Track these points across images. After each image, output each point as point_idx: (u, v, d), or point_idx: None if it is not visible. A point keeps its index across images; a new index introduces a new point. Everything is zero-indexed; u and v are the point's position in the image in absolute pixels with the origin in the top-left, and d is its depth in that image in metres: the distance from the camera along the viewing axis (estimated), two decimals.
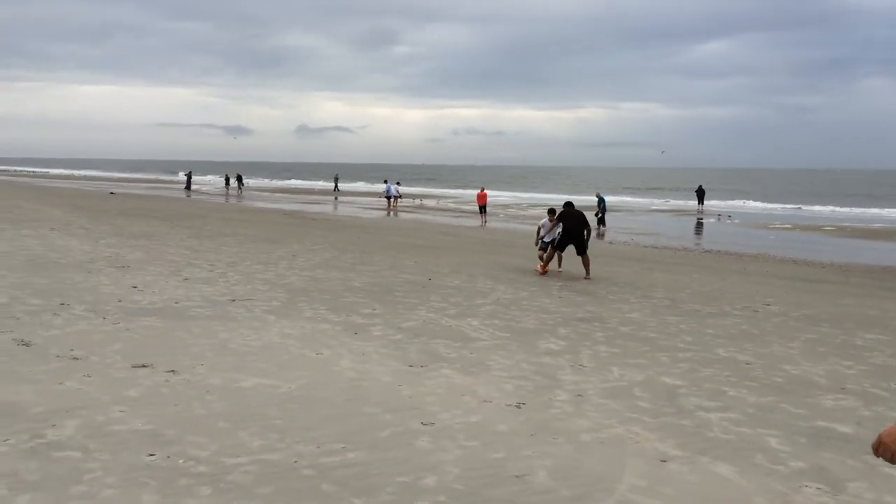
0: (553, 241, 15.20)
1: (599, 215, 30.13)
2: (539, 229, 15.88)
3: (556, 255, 15.33)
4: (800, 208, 49.64)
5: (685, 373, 7.18)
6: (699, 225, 36.48)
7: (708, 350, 8.21)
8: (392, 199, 43.11)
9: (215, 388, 5.98)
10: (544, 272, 14.79)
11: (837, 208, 48.94)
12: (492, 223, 32.88)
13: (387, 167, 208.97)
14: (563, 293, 12.22)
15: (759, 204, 53.60)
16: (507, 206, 49.02)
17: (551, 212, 15.99)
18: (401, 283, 12.53)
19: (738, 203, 54.07)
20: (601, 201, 30.40)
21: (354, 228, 26.01)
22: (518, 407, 5.85)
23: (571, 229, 14.96)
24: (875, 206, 50.38)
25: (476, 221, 33.46)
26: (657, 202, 58.18)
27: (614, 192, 57.64)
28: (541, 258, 15.28)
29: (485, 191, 36.76)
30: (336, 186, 63.87)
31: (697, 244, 25.99)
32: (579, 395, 6.24)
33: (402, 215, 37.44)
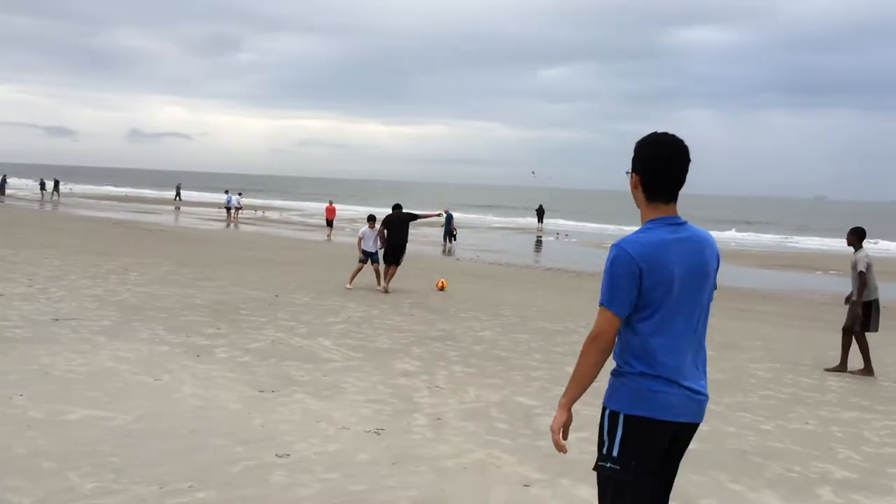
0: (374, 253, 14.72)
1: (455, 232, 30.54)
2: (360, 240, 15.03)
3: (367, 268, 14.76)
4: (632, 229, 52.83)
5: (539, 392, 7.26)
6: (539, 242, 37.86)
7: (558, 368, 8.38)
8: (233, 211, 41.58)
9: (38, 423, 5.33)
10: (385, 290, 14.25)
11: None
12: (339, 237, 32.46)
13: (228, 177, 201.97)
14: (414, 311, 12.14)
15: (594, 224, 56.41)
16: (353, 220, 48.64)
17: (371, 218, 15.28)
18: (246, 299, 11.97)
19: (575, 223, 56.66)
20: (449, 217, 30.81)
21: (194, 240, 24.77)
22: (377, 433, 5.63)
23: (396, 242, 14.61)
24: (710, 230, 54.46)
25: (321, 235, 32.90)
26: (500, 219, 59.95)
27: (458, 209, 58.77)
28: (359, 271, 14.69)
29: (333, 204, 36.33)
30: (178, 195, 61.21)
31: (539, 262, 26.89)
32: (438, 419, 6.12)
33: (245, 228, 36.17)
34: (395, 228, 14.78)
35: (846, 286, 21.87)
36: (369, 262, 14.96)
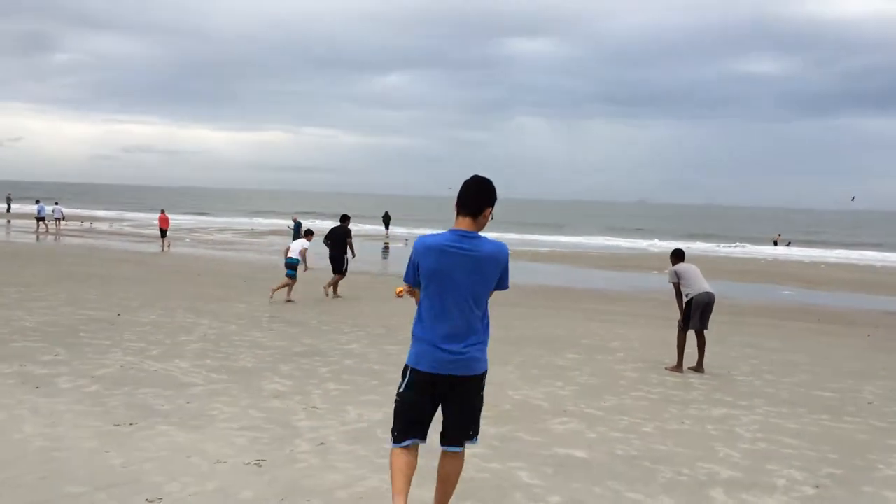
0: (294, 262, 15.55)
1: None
2: (293, 251, 15.86)
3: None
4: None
5: None
6: (386, 249, 37.67)
7: None
8: (56, 222, 38.31)
9: None
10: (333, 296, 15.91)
11: (504, 234, 54.01)
12: (179, 249, 30.71)
13: (46, 185, 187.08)
14: (273, 325, 11.53)
15: (439, 230, 56.95)
16: (192, 230, 46.33)
17: (309, 233, 16.84)
18: (85, 320, 10.88)
19: (421, 230, 57.03)
20: (297, 226, 29.93)
21: (13, 256, 22.49)
22: (259, 465, 5.15)
23: (333, 255, 16.28)
24: (534, 233, 56.59)
25: (158, 247, 30.97)
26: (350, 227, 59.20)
27: (304, 217, 57.35)
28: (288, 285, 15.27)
29: (165, 214, 34.41)
30: (9, 207, 56.53)
31: (392, 269, 26.64)
32: (322, 444, 5.71)
33: (71, 240, 33.38)
34: (333, 241, 16.40)
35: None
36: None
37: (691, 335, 9.58)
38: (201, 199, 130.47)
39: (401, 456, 4.04)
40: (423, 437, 4.12)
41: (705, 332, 9.53)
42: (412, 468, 4.07)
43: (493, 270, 3.95)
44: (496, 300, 14.46)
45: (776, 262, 35.89)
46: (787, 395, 8.28)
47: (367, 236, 47.88)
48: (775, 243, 52.17)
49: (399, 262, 30.24)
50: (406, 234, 51.09)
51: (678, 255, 10.00)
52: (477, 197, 3.96)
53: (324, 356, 9.23)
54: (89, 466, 4.94)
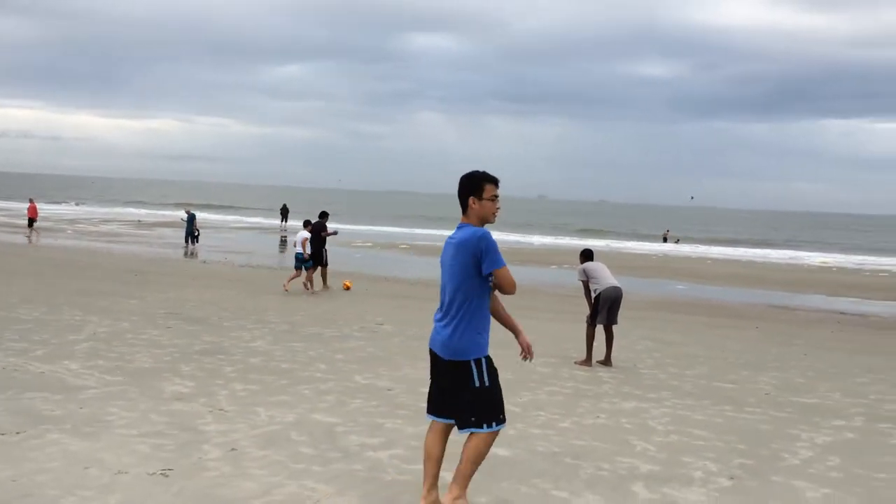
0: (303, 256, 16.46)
1: (197, 233, 28.54)
2: (296, 244, 16.77)
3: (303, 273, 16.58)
4: (376, 229, 53.49)
5: (334, 407, 6.76)
6: (283, 242, 36.79)
7: (347, 378, 7.93)
8: None
9: None
10: (310, 290, 16.45)
11: (403, 229, 53.89)
12: (62, 241, 28.97)
13: None
14: (170, 322, 10.95)
15: (338, 224, 56.06)
16: (74, 220, 43.88)
17: (307, 223, 17.56)
18: None
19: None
20: (191, 217, 28.79)
21: None
22: (164, 475, 4.78)
23: (313, 250, 16.84)
24: (431, 227, 56.76)
25: (44, 239, 29.13)
26: (243, 219, 57.65)
27: (198, 208, 55.44)
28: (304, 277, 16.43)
29: (34, 203, 32.63)
30: None
31: (291, 262, 25.95)
32: (233, 449, 5.38)
33: None
34: (314, 236, 17.01)
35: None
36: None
37: (600, 330, 9.72)
38: (85, 189, 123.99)
39: (427, 433, 4.46)
40: (438, 416, 4.38)
41: (613, 326, 9.69)
42: (430, 447, 4.38)
43: (465, 255, 4.16)
44: (397, 293, 14.37)
45: (668, 258, 37.32)
46: (691, 387, 8.51)
47: (264, 229, 46.71)
48: (664, 240, 54.33)
49: (284, 253, 29.52)
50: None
51: (587, 255, 10.14)
52: (460, 192, 4.34)
53: (227, 354, 8.82)
54: None
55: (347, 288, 17.31)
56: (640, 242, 50.17)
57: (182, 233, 30.47)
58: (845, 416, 7.47)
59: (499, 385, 4.32)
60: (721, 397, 8.02)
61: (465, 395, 4.22)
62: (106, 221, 45.67)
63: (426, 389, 7.70)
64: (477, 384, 4.21)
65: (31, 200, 33.34)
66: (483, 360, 4.25)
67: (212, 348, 9.13)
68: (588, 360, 9.51)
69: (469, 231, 4.22)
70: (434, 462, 4.36)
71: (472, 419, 4.20)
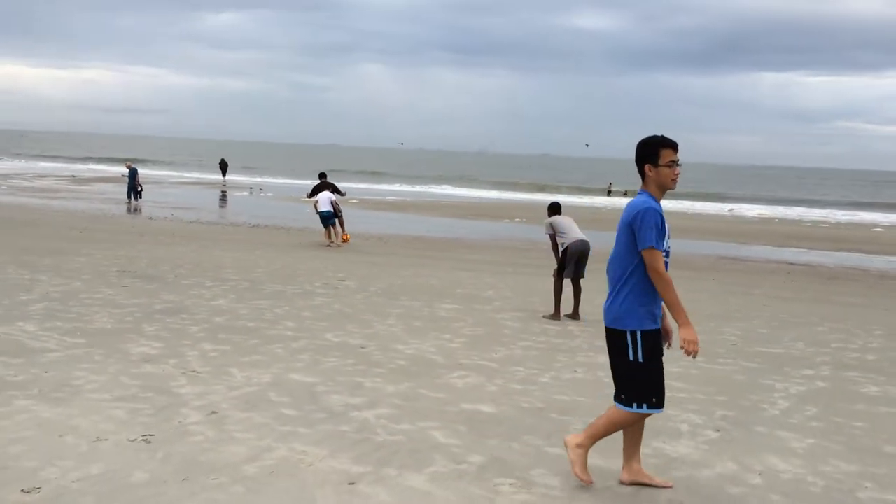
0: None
1: (140, 189, 27.64)
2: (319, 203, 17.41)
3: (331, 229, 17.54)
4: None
5: (310, 366, 6.60)
6: (224, 198, 35.93)
7: (317, 336, 7.76)
8: None
9: None
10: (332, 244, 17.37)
11: (349, 184, 53.17)
12: None
13: None
14: (125, 280, 10.56)
15: (282, 180, 54.95)
16: (7, 176, 42.05)
17: (331, 185, 18.50)
18: None
19: (262, 178, 54.72)
20: (133, 172, 27.83)
21: None
22: (146, 441, 4.58)
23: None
24: (377, 182, 56.20)
25: None
26: (182, 175, 56.09)
27: (137, 164, 53.63)
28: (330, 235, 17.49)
29: None
30: None
31: (241, 218, 25.39)
32: (213, 412, 5.20)
33: None
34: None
35: (531, 232, 23.86)
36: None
37: (567, 283, 9.72)
38: (14, 142, 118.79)
39: None
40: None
41: (581, 280, 9.70)
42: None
43: (625, 226, 4.02)
44: (354, 248, 14.25)
45: (615, 211, 37.70)
46: None
47: (204, 184, 45.57)
48: (609, 193, 54.93)
49: (249, 210, 28.91)
50: (248, 181, 49.07)
51: (554, 208, 10.08)
52: (636, 159, 4.12)
53: (190, 314, 8.54)
54: None
55: (346, 241, 18.04)
56: (585, 196, 50.56)
57: (123, 188, 29.47)
58: (812, 365, 7.64)
59: (658, 366, 4.08)
60: None
61: (619, 367, 4.10)
62: (41, 177, 43.89)
63: (400, 346, 7.66)
64: (631, 358, 4.03)
65: None
66: (640, 334, 4.01)
67: (173, 307, 8.83)
68: (557, 314, 9.52)
69: (635, 201, 4.05)
70: (626, 437, 4.28)
71: (622, 396, 4.09)
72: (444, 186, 56.00)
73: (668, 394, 6.23)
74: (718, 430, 5.36)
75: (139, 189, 27.82)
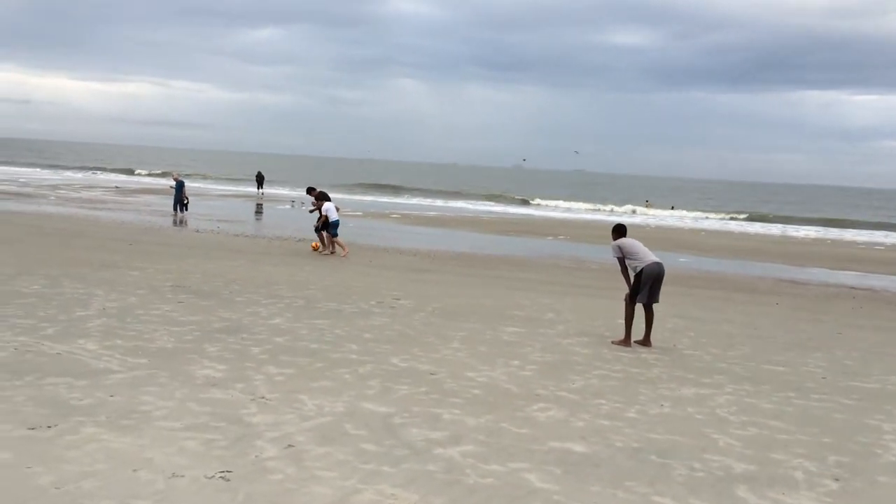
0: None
1: (186, 201, 27.71)
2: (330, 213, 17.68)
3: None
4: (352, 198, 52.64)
5: (382, 394, 6.26)
6: (260, 209, 35.92)
7: (383, 360, 7.43)
8: None
9: None
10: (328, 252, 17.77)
11: (388, 199, 53.10)
12: (45, 207, 27.97)
13: None
14: (181, 296, 10.35)
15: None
16: (55, 186, 42.65)
17: (324, 195, 18.60)
18: None
19: (296, 192, 54.71)
20: (180, 185, 27.91)
21: None
22: (225, 479, 4.27)
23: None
24: (426, 197, 56.07)
25: (25, 204, 28.15)
26: (221, 187, 56.53)
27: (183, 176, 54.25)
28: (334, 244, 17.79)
29: None
30: None
31: (285, 232, 25.25)
32: (289, 446, 4.88)
33: None
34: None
35: (578, 250, 23.30)
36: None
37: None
38: (60, 155, 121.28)
39: None
40: None
41: (654, 305, 9.25)
42: None
43: None
44: (402, 265, 13.74)
45: (660, 229, 37.04)
46: (742, 370, 8.12)
47: (242, 196, 45.76)
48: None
49: (292, 224, 28.85)
50: (286, 195, 49.20)
51: (620, 230, 9.65)
52: None
53: (250, 333, 8.27)
54: (12, 490, 3.91)
55: (315, 249, 18.31)
56: (646, 212, 49.83)
57: (170, 200, 29.57)
58: None
59: None
60: (779, 382, 7.63)
61: None
62: (88, 188, 44.45)
63: (471, 374, 7.29)
64: None
65: None
66: None
67: (232, 326, 8.58)
68: (627, 341, 9.08)
69: None
70: None
71: None
72: (481, 202, 55.56)
73: (766, 433, 5.80)
74: (838, 480, 4.90)
75: (185, 201, 27.85)
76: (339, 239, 17.99)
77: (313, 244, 18.46)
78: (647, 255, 9.19)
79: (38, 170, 65.58)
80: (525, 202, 57.59)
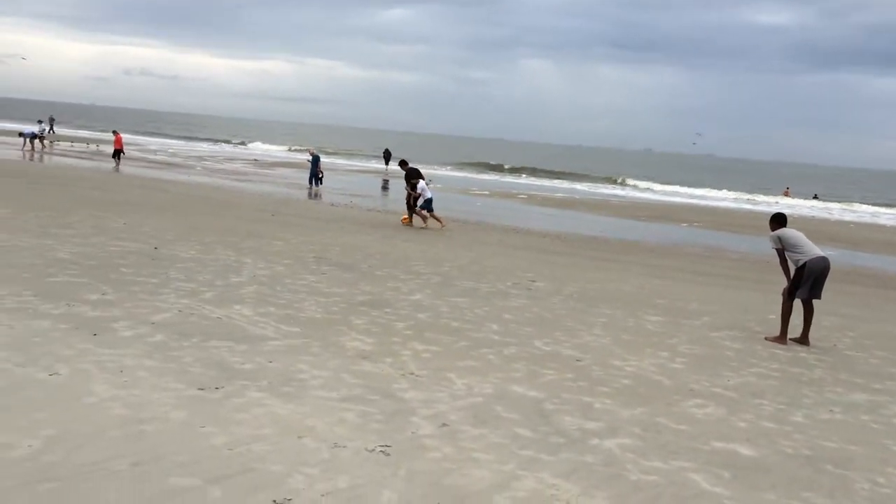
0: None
1: (321, 175, 28.64)
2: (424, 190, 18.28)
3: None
4: (480, 178, 52.59)
5: (529, 378, 6.16)
6: (386, 185, 36.46)
7: (526, 343, 7.32)
8: (37, 140, 37.33)
9: None
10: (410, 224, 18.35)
11: (515, 179, 52.73)
12: (193, 177, 29.56)
13: (42, 105, 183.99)
14: (323, 267, 10.62)
15: (449, 172, 55.37)
16: (202, 157, 45.08)
17: (409, 166, 19.67)
18: (120, 252, 9.97)
19: (426, 169, 55.24)
20: (316, 159, 28.82)
21: (27, 177, 21.45)
22: (385, 453, 4.30)
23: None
24: (552, 179, 55.42)
25: (178, 174, 29.88)
26: (351, 163, 57.96)
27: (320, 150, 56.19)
28: (423, 217, 18.27)
29: (120, 135, 33.81)
30: (51, 128, 54.35)
31: (393, 206, 25.52)
32: (444, 425, 4.86)
33: (80, 163, 32.18)
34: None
35: (716, 238, 22.31)
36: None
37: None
38: (204, 128, 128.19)
39: None
40: None
41: (815, 301, 8.66)
42: None
43: None
44: (534, 246, 13.45)
45: (803, 219, 34.97)
46: None
47: (371, 172, 46.72)
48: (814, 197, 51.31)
49: (401, 197, 29.16)
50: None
51: (779, 220, 9.04)
52: None
53: (393, 308, 8.36)
54: (188, 448, 4.08)
55: (405, 223, 18.67)
56: (792, 200, 47.29)
57: (304, 174, 30.61)
58: None
59: None
60: None
61: None
62: (229, 160, 46.72)
63: (617, 363, 7.06)
64: None
65: (115, 132, 34.52)
66: None
67: (374, 300, 8.70)
68: (783, 338, 8.55)
69: None
70: None
71: None
72: (609, 186, 54.27)
73: None
74: None
75: (320, 176, 28.74)
76: (436, 213, 18.44)
77: (403, 218, 18.88)
78: (811, 249, 8.59)
79: (185, 141, 69.53)
80: (648, 189, 55.78)
